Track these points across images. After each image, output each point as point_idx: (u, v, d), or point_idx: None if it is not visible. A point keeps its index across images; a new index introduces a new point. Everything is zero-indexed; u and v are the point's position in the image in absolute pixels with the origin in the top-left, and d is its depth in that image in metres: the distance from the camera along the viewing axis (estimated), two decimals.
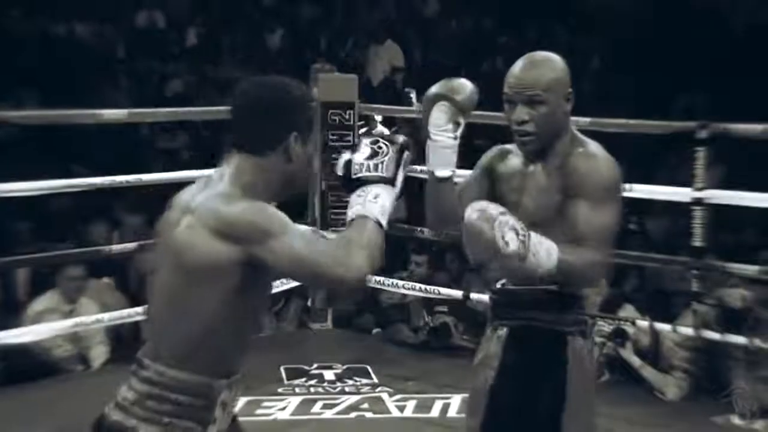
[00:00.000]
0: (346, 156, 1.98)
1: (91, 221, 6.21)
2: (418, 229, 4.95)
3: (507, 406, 2.33)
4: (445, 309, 5.29)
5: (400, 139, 1.97)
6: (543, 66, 2.34)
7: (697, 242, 4.25)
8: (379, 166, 1.93)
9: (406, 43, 8.76)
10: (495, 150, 2.48)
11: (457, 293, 4.85)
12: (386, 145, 1.94)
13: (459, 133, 2.35)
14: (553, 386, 2.31)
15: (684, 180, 4.59)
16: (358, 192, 1.94)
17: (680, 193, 4.31)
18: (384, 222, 1.91)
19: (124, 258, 5.63)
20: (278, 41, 8.98)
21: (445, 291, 4.86)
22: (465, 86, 2.35)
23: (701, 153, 4.23)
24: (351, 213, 1.93)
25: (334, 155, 5.01)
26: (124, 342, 5.25)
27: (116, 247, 4.60)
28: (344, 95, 4.95)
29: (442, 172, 2.36)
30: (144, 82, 8.58)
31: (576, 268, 2.25)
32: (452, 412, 4.34)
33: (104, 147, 6.94)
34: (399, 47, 8.36)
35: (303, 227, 1.95)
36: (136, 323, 5.00)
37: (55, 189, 4.46)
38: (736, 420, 4.36)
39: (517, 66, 2.36)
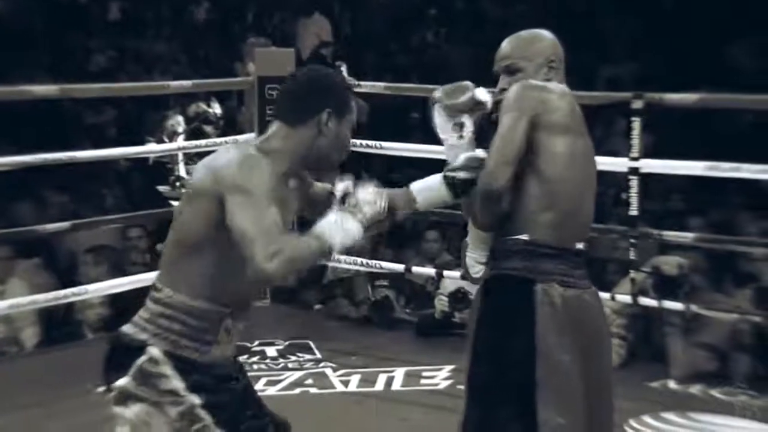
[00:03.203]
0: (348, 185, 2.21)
1: (16, 200, 6.05)
2: None
3: (485, 353, 2.39)
4: (386, 283, 5.30)
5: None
6: (519, 38, 2.50)
7: (634, 211, 4.31)
8: (368, 210, 2.07)
9: (334, 15, 8.68)
10: None
11: (399, 266, 4.85)
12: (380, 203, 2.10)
13: (466, 132, 2.46)
14: (523, 333, 2.35)
15: (608, 151, 4.64)
16: (344, 209, 2.08)
17: (617, 163, 4.36)
18: (334, 251, 2.06)
19: (52, 238, 5.50)
20: (204, 15, 8.82)
21: (387, 265, 4.86)
22: (460, 87, 2.46)
23: (637, 123, 4.28)
24: (322, 222, 2.05)
25: None
26: (55, 323, 5.15)
27: (50, 226, 4.47)
28: (281, 69, 4.87)
29: None
30: (65, 57, 8.34)
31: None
32: (396, 385, 4.36)
33: (28, 124, 6.74)
34: (327, 20, 8.27)
35: (273, 208, 2.02)
36: (68, 304, 4.90)
37: None
38: (672, 384, 4.46)
39: (501, 45, 2.51)
